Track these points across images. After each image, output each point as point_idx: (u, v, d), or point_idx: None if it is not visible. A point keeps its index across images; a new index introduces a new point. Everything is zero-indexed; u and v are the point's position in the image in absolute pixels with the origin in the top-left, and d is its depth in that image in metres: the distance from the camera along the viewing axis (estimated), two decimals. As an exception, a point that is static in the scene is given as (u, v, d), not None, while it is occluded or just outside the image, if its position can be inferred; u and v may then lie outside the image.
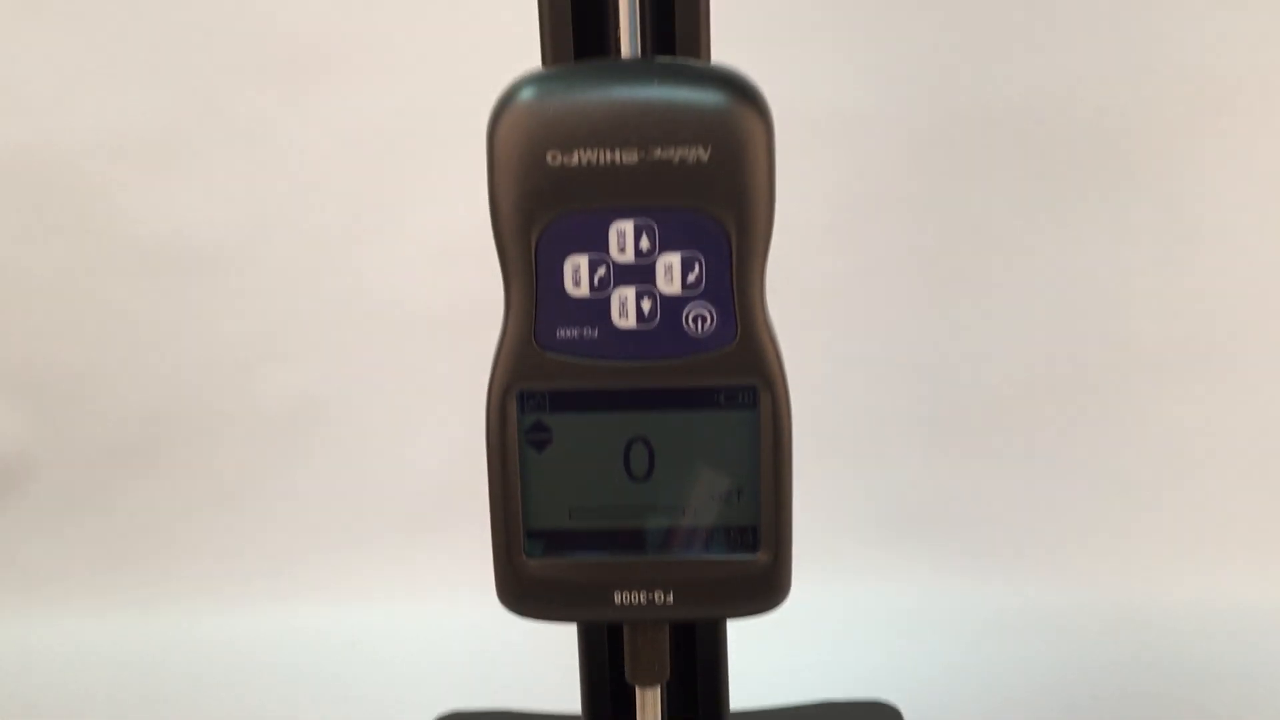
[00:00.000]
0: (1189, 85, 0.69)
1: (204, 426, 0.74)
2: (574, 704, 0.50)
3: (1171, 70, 0.69)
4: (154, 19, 0.69)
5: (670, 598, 0.39)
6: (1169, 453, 0.73)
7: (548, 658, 0.58)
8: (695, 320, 0.38)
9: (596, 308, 0.38)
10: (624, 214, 0.37)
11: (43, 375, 0.74)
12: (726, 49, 0.42)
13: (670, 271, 0.37)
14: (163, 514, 0.75)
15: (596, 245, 0.37)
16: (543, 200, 0.37)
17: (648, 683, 0.42)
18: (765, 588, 0.39)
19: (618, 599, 0.39)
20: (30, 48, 0.70)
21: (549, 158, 0.36)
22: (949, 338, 0.72)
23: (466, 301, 0.67)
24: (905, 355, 0.72)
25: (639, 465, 0.39)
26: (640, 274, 0.37)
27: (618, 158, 0.36)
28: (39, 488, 0.75)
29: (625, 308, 0.38)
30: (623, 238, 0.37)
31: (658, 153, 0.36)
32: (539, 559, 0.40)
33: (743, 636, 0.51)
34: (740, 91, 0.36)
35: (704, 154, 0.36)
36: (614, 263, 0.37)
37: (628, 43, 0.40)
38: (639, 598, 0.39)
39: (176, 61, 0.70)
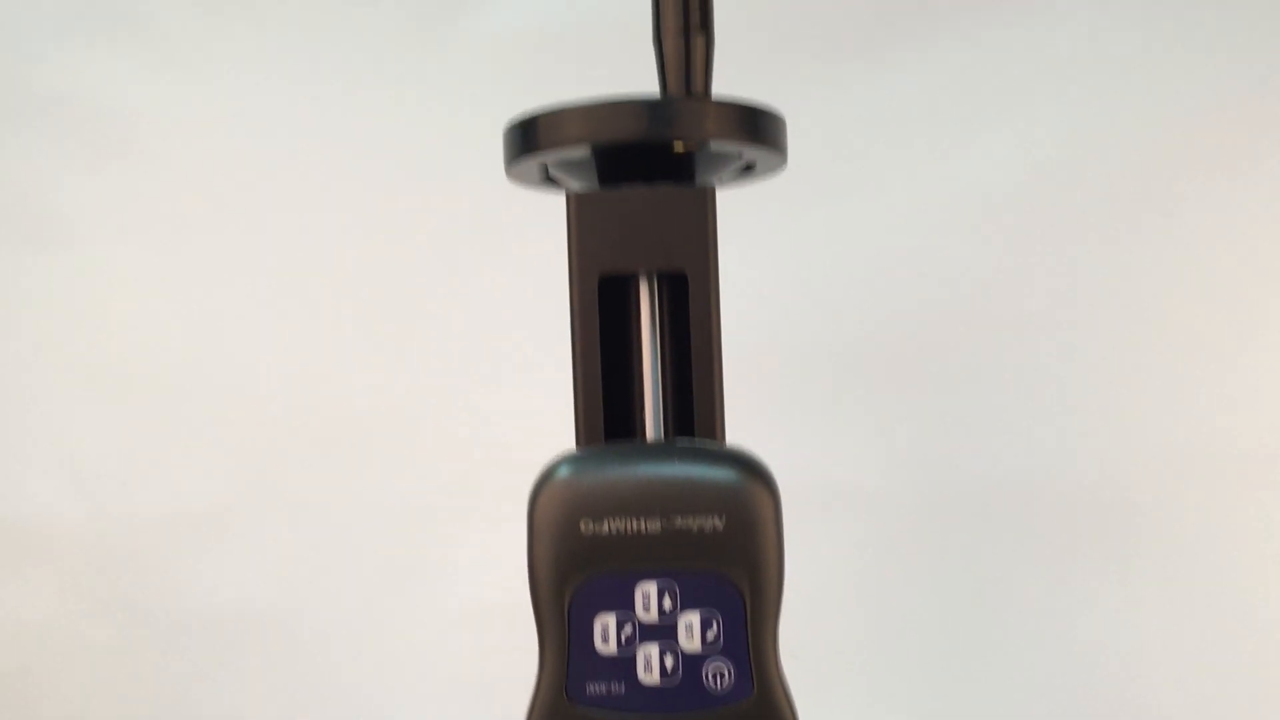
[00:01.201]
0: (1186, 456, 0.73)
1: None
2: None
3: (1169, 441, 0.73)
4: (209, 400, 0.75)
5: None
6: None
7: None
8: (714, 676, 0.41)
9: (623, 664, 0.41)
10: (648, 576, 0.41)
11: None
12: (741, 429, 0.48)
13: (690, 630, 0.41)
14: None
15: (623, 605, 0.41)
16: (576, 564, 0.41)
17: None
18: None
19: None
20: (93, 425, 0.75)
21: (582, 526, 0.41)
22: (962, 703, 0.73)
23: (497, 666, 0.70)
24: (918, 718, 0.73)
25: (663, 819, 0.41)
26: (663, 632, 0.41)
27: (643, 526, 0.41)
28: None
29: (650, 664, 0.41)
30: (647, 598, 0.41)
31: (678, 522, 0.41)
32: None
33: None
34: (750, 469, 0.41)
35: (719, 523, 0.41)
36: (639, 621, 0.41)
37: (652, 426, 0.45)
38: None
39: (230, 441, 0.75)
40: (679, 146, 0.45)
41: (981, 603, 0.74)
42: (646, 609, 0.41)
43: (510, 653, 0.51)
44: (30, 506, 0.76)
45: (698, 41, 0.46)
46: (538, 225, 0.53)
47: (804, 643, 0.50)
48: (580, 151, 0.45)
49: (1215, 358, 0.73)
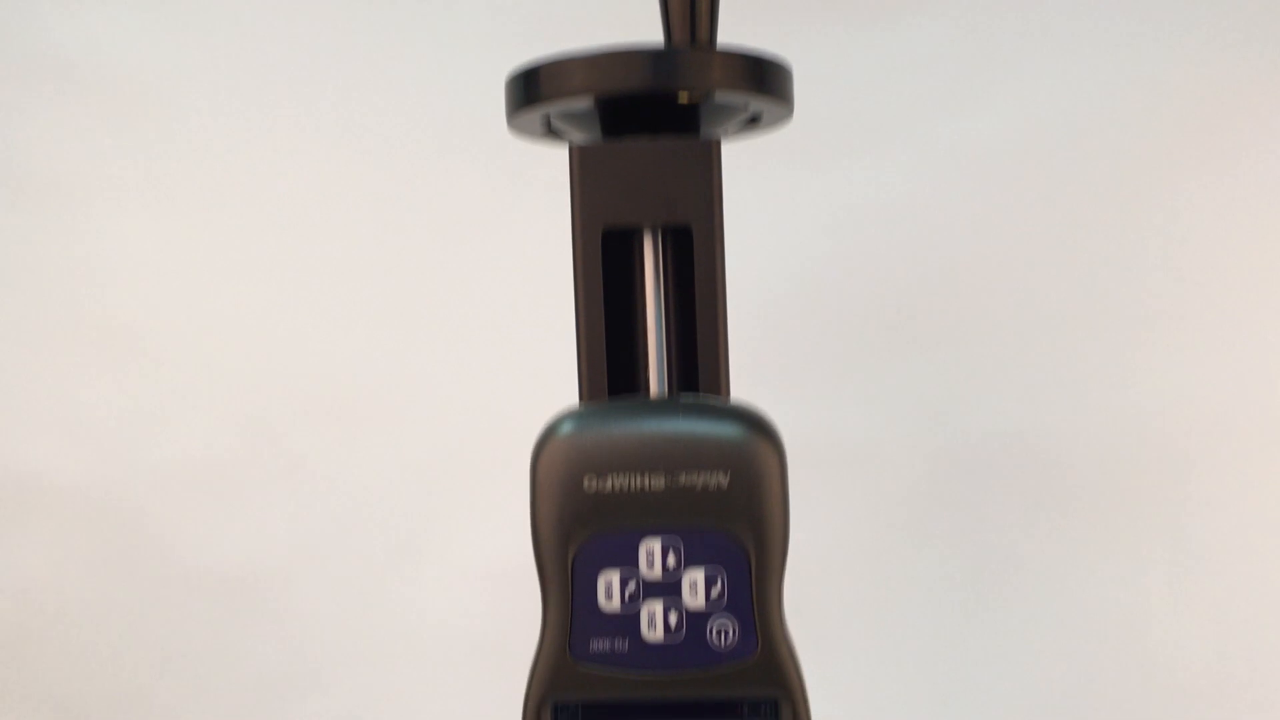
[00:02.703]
0: (1182, 417, 0.73)
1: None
2: None
3: (1164, 403, 0.73)
4: (209, 359, 0.75)
5: None
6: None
7: None
8: (719, 633, 0.41)
9: (627, 621, 0.41)
10: (652, 533, 0.41)
11: (77, 705, 0.75)
12: (745, 387, 0.47)
13: (695, 587, 0.41)
14: None
15: (627, 562, 0.41)
16: (579, 521, 0.40)
17: None
18: None
19: None
20: (94, 380, 0.75)
21: (585, 483, 0.40)
22: (967, 661, 0.74)
23: (502, 627, 0.70)
24: (922, 682, 0.73)
25: (667, 777, 0.41)
26: (667, 589, 0.41)
27: (647, 483, 0.40)
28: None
29: (654, 621, 0.41)
30: (651, 556, 0.41)
31: (682, 479, 0.40)
32: None
33: None
34: (755, 425, 0.41)
35: (724, 480, 0.40)
36: (643, 579, 0.41)
37: (656, 382, 0.45)
38: None
39: (230, 399, 0.75)
40: (684, 97, 0.44)
41: (988, 561, 0.74)
42: (650, 566, 0.41)
43: (515, 613, 0.51)
44: (30, 461, 0.76)
45: (703, -11, 0.45)
46: (539, 179, 0.53)
47: (808, 601, 0.50)
48: (583, 102, 0.44)
49: (1217, 323, 0.73)
